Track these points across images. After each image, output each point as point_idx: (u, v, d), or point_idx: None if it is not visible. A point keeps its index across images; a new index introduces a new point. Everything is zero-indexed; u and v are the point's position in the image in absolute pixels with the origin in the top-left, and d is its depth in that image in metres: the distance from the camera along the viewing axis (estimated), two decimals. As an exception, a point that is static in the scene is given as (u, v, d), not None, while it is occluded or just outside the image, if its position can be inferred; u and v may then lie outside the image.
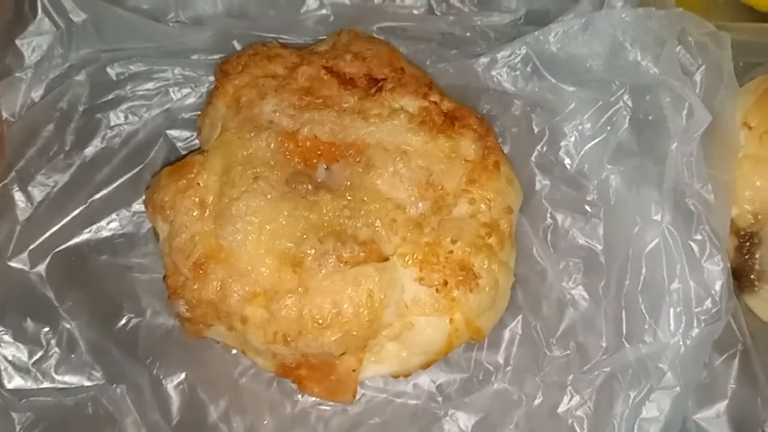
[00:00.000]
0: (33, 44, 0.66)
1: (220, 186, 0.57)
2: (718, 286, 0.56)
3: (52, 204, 0.62)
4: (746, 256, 0.62)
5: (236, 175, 0.56)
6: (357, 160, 0.58)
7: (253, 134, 0.58)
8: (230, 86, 0.62)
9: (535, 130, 0.65)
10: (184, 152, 0.66)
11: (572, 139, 0.64)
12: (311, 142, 0.59)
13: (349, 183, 0.57)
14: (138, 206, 0.64)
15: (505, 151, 0.64)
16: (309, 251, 0.54)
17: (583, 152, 0.64)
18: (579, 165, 0.64)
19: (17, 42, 0.66)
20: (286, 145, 0.58)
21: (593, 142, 0.64)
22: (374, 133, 0.59)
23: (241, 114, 0.59)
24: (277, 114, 0.59)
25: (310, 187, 0.56)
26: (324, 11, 0.69)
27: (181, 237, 0.55)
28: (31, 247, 0.60)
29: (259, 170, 0.56)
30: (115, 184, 0.64)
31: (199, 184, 0.57)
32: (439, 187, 0.58)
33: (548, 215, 0.64)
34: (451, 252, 0.55)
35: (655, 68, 0.62)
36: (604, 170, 0.63)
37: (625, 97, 0.63)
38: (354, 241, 0.54)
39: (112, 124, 0.66)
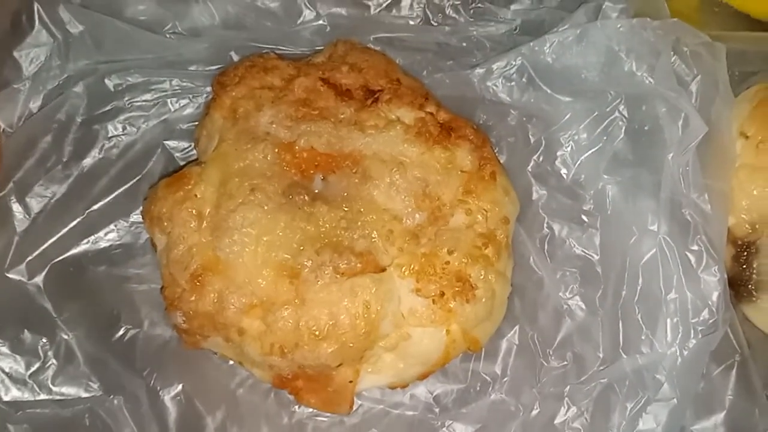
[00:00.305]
0: (31, 56, 0.66)
1: (217, 197, 0.57)
2: (714, 296, 0.56)
3: (49, 215, 0.62)
4: (743, 266, 0.62)
5: (233, 186, 0.56)
6: (354, 171, 0.58)
7: (249, 146, 0.58)
8: (227, 98, 0.62)
9: (531, 140, 0.65)
10: (182, 163, 0.66)
11: (568, 149, 0.65)
12: (308, 153, 0.59)
13: (345, 194, 0.57)
14: (136, 217, 0.64)
15: (502, 161, 0.64)
16: (306, 263, 0.54)
17: (579, 162, 0.64)
18: (575, 175, 0.64)
19: (15, 54, 0.66)
20: (282, 156, 0.58)
21: (589, 152, 0.64)
22: (371, 144, 0.59)
23: (238, 125, 0.60)
24: (274, 125, 0.59)
25: (306, 198, 0.56)
26: (320, 22, 0.70)
27: (179, 249, 0.55)
28: (29, 258, 0.60)
29: (256, 182, 0.56)
30: (112, 195, 0.64)
31: (196, 195, 0.57)
32: (436, 198, 0.58)
33: (545, 225, 0.64)
34: (448, 263, 0.55)
35: (650, 78, 0.62)
36: (601, 180, 0.63)
37: (621, 108, 0.63)
38: (351, 253, 0.54)
39: (109, 135, 0.66)
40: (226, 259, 0.54)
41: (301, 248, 0.54)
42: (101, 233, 0.63)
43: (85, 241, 0.62)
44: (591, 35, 0.64)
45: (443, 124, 0.61)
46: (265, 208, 0.55)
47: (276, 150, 0.58)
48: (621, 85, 0.63)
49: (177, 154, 0.67)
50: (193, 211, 0.56)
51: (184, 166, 0.62)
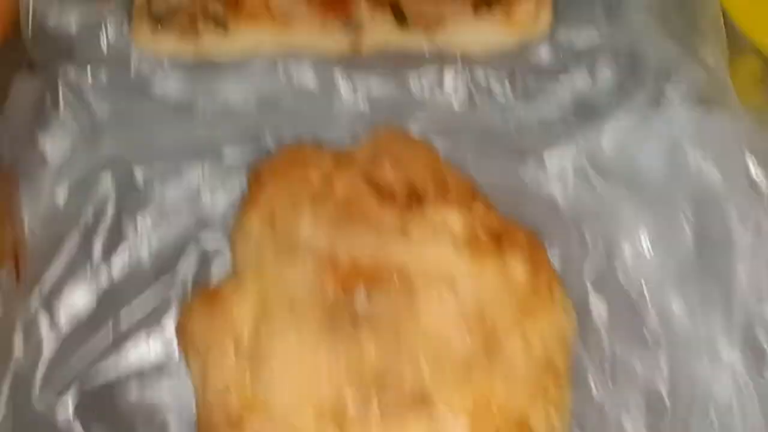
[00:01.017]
0: (56, 142, 0.64)
1: (254, 320, 0.54)
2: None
3: (78, 330, 0.58)
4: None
5: (272, 308, 0.53)
6: (399, 287, 0.54)
7: (290, 262, 0.55)
8: (264, 197, 0.59)
9: (589, 244, 0.61)
10: (215, 260, 0.62)
11: (628, 254, 0.60)
12: (350, 266, 0.55)
13: (391, 316, 0.54)
14: (166, 322, 0.60)
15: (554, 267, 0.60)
16: (350, 399, 0.51)
17: (640, 271, 0.59)
18: (636, 285, 0.59)
19: (39, 140, 0.63)
20: (323, 270, 0.55)
21: (651, 259, 0.59)
22: (417, 257, 0.55)
23: (277, 237, 0.56)
24: (314, 236, 0.56)
25: (350, 324, 0.53)
26: (360, 104, 0.66)
27: (215, 383, 0.52)
28: (57, 383, 0.57)
29: (296, 304, 0.53)
30: (143, 299, 0.60)
31: (232, 316, 0.54)
32: (489, 320, 0.54)
33: (604, 343, 0.59)
34: (505, 400, 0.52)
35: (719, 177, 0.58)
36: (665, 293, 0.58)
37: (687, 210, 0.59)
38: (399, 387, 0.51)
39: (139, 229, 0.63)
40: (264, 396, 0.51)
41: (346, 382, 0.51)
42: (131, 345, 0.59)
43: (116, 359, 0.59)
44: (653, 125, 0.60)
45: (494, 230, 0.57)
46: (306, 335, 0.52)
47: (317, 264, 0.55)
48: (687, 184, 0.59)
49: (210, 249, 0.63)
50: (230, 335, 0.53)
51: (220, 279, 0.59)
